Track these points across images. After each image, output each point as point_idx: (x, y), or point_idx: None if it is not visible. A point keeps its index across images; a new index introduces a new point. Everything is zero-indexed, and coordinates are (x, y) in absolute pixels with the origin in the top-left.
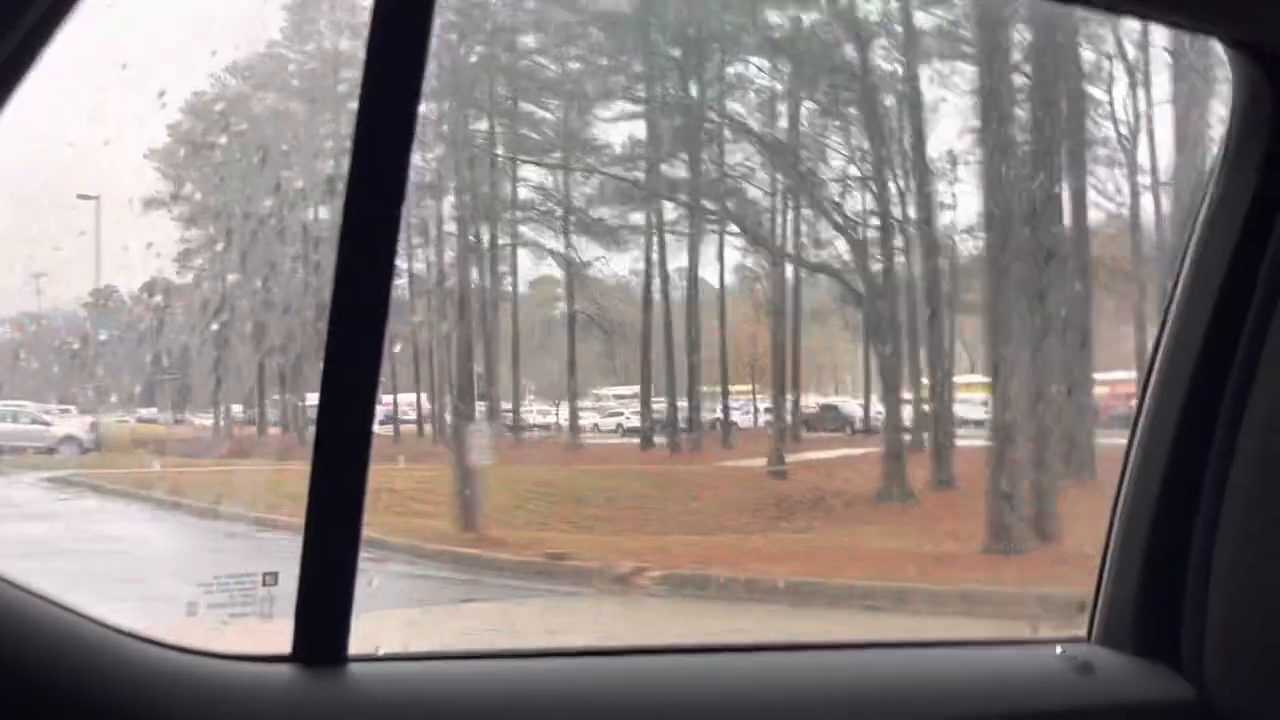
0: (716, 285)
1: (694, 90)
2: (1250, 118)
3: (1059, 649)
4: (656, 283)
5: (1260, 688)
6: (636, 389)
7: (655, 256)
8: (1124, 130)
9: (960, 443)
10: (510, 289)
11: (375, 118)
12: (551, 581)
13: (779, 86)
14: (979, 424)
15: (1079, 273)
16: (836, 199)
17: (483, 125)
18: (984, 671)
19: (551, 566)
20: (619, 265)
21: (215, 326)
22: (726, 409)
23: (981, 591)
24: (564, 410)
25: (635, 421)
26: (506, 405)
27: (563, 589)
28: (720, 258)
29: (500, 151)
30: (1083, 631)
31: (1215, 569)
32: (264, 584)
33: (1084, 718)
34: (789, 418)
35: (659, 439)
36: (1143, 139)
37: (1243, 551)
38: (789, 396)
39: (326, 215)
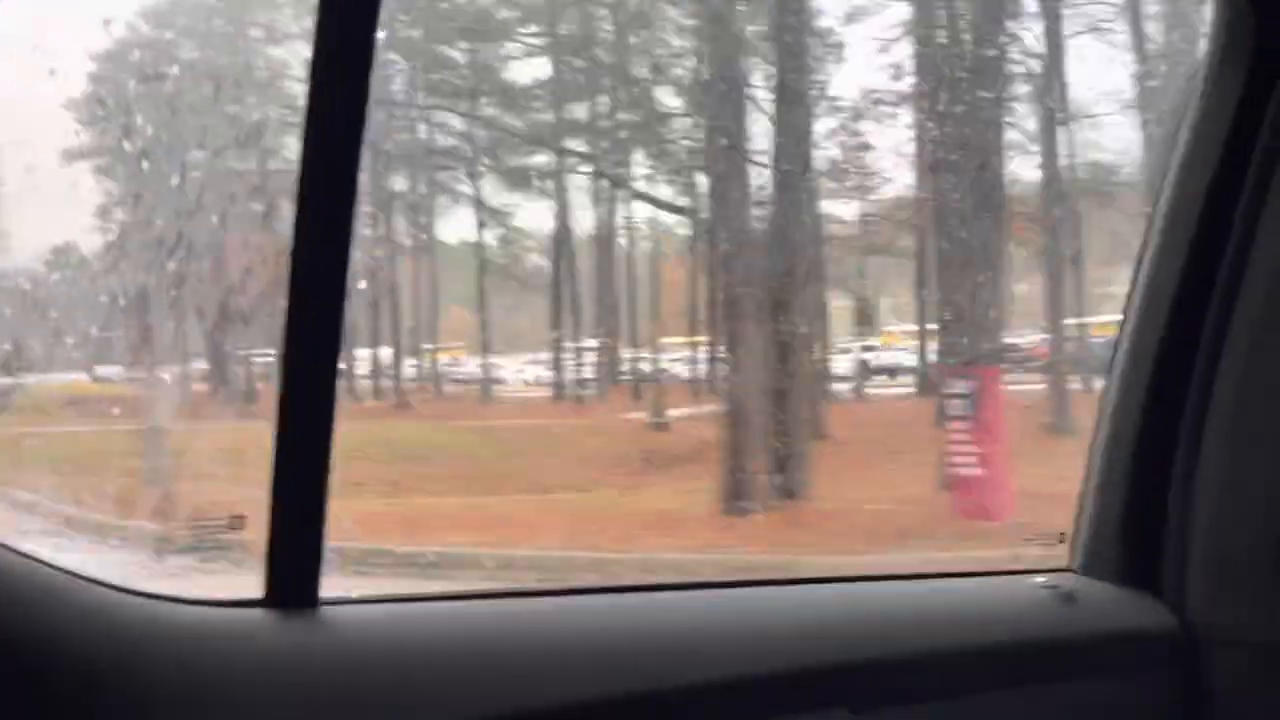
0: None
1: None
2: (1230, 46)
3: (1041, 580)
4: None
5: (1242, 615)
6: (603, 340)
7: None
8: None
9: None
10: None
11: (331, 49)
12: (185, 554)
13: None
14: (896, 373)
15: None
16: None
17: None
18: (965, 603)
19: (198, 538)
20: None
21: (160, 276)
22: (636, 359)
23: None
24: (515, 362)
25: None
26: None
27: (186, 560)
28: (627, 203)
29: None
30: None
31: (1197, 498)
32: (230, 527)
33: (1067, 648)
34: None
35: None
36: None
37: (1224, 480)
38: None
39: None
